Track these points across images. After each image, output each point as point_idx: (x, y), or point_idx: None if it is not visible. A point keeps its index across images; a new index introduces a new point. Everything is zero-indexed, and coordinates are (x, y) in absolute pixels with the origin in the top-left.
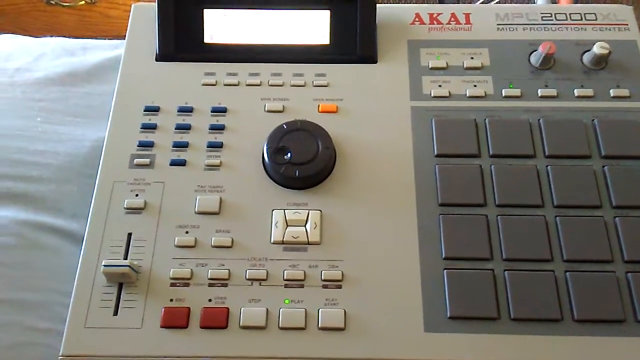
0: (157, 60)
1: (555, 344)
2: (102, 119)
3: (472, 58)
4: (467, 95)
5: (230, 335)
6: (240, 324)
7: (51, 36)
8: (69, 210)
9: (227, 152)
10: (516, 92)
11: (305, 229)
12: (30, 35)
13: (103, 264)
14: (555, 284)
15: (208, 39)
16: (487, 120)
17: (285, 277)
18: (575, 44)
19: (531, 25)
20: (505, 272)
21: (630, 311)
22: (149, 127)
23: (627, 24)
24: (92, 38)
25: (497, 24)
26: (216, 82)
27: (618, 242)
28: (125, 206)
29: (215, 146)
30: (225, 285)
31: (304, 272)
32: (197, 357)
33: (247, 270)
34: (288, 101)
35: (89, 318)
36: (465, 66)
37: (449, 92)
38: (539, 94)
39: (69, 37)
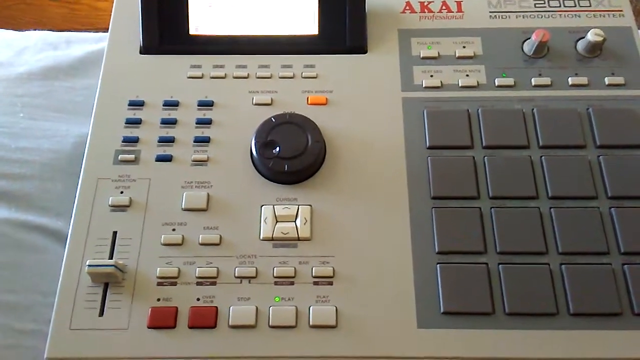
0: (141, 53)
1: (551, 338)
2: (87, 114)
3: (464, 47)
4: (460, 85)
5: (219, 335)
6: (230, 323)
7: (34, 29)
8: (54, 209)
9: (214, 147)
10: (509, 81)
11: (295, 225)
12: (17, 30)
13: (87, 263)
14: (550, 277)
15: (193, 30)
16: (479, 111)
17: (275, 275)
18: (569, 32)
19: (524, 13)
20: (500, 265)
21: (627, 304)
22: (133, 122)
23: (622, 10)
24: (80, 31)
25: (490, 12)
26: (202, 74)
27: (614, 233)
28: (109, 204)
29: (202, 141)
30: (214, 283)
31: (295, 269)
32: (185, 358)
33: (236, 268)
34: (276, 93)
35: (74, 319)
36: (457, 55)
37: (441, 82)
38: (533, 83)
39: (57, 30)
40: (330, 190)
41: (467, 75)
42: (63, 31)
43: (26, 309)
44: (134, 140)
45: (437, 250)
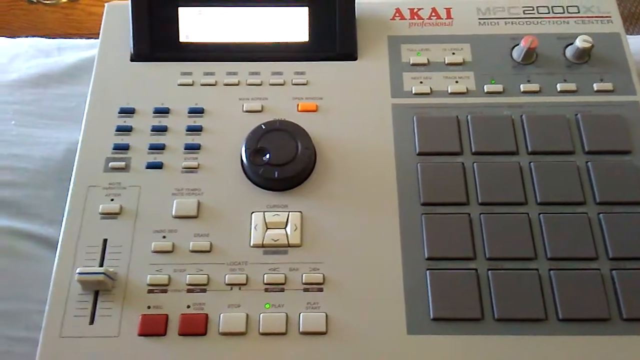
0: (132, 60)
1: (539, 344)
2: (78, 122)
3: (453, 54)
4: (449, 91)
5: (209, 342)
6: (220, 330)
7: (33, 36)
8: (45, 216)
9: (204, 154)
10: (498, 87)
11: (286, 232)
12: (12, 35)
13: (77, 271)
14: (539, 283)
15: (184, 37)
16: (469, 117)
17: (265, 281)
18: (557, 38)
19: (513, 19)
20: (489, 271)
21: (616, 309)
22: (124, 130)
23: (610, 16)
24: (75, 36)
25: (479, 19)
26: (193, 82)
27: (602, 239)
28: (100, 211)
29: (192, 148)
30: (204, 290)
31: (285, 276)
32: None
33: (227, 275)
34: (267, 100)
35: (65, 327)
36: (446, 62)
37: (430, 89)
38: (522, 89)
39: (52, 35)
40: (320, 196)
41: (457, 82)
42: (58, 36)
43: (18, 316)
44: (124, 148)
45: (426, 256)
